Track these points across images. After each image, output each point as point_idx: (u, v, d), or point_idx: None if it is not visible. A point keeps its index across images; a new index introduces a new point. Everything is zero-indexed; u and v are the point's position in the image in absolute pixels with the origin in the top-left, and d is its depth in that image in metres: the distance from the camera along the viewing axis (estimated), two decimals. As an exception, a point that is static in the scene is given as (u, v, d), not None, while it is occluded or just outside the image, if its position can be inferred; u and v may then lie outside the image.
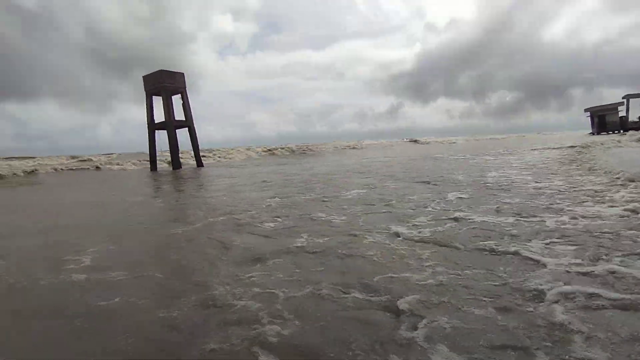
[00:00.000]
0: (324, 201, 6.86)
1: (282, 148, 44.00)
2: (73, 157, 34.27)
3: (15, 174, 22.52)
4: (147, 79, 27.41)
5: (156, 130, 28.06)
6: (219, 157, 35.45)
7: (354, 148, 48.54)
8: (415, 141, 61.70)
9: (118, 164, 30.00)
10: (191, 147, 29.01)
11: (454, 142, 55.28)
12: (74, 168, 27.72)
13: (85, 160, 31.11)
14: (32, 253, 4.47)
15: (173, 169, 26.34)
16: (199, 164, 28.54)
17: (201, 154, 29.65)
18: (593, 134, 37.64)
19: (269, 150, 42.50)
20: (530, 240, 3.58)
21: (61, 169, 26.81)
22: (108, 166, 29.43)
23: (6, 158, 34.80)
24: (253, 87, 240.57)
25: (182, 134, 29.11)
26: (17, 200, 11.96)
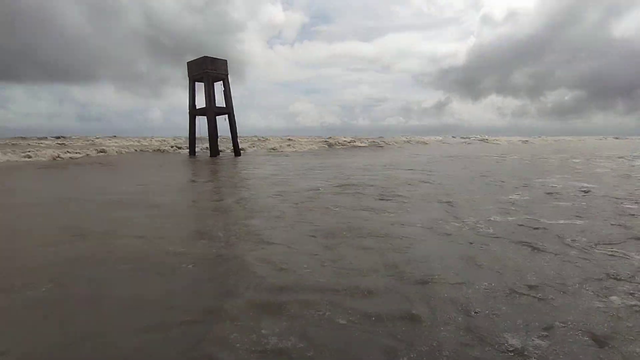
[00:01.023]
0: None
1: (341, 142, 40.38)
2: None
3: (88, 154, 24.66)
4: (191, 65, 27.54)
5: (197, 116, 28.27)
6: (271, 147, 34.18)
7: (425, 144, 46.17)
8: (485, 140, 57.79)
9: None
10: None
11: (526, 142, 51.30)
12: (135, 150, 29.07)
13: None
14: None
15: (210, 156, 26.42)
16: (237, 153, 28.47)
17: (250, 142, 29.52)
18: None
19: (326, 141, 39.31)
20: None
21: (124, 152, 28.01)
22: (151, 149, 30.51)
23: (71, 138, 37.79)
24: (298, 77, 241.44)
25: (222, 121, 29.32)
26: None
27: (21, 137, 39.32)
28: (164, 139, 42.68)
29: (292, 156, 25.16)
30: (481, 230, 4.76)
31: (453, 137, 60.34)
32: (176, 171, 15.36)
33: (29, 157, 20.76)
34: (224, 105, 28.27)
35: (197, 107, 28.08)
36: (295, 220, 5.48)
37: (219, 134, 28.29)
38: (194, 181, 11.91)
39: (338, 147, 36.61)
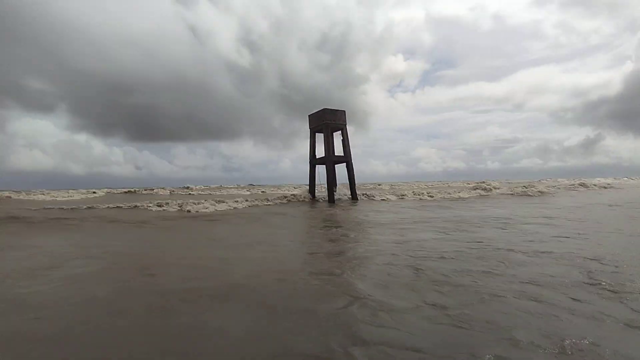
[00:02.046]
0: None
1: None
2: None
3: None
4: (311, 117, 29.40)
5: (317, 165, 29.47)
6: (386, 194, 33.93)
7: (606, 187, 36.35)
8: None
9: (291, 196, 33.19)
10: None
11: None
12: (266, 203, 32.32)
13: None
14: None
15: (329, 202, 26.69)
16: (354, 197, 28.11)
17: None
18: None
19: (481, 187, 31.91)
20: None
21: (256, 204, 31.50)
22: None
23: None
24: (419, 123, 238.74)
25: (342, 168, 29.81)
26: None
27: (186, 187, 49.25)
28: (292, 185, 46.92)
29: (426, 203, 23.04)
30: None
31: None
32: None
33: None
34: (343, 154, 28.79)
35: (317, 157, 29.30)
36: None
37: (337, 182, 28.72)
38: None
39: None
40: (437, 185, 51.58)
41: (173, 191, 45.09)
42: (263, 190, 48.46)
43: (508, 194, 29.33)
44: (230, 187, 54.50)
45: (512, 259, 5.80)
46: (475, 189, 32.89)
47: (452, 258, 6.01)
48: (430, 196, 28.66)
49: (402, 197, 28.33)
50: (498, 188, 33.17)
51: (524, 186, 32.09)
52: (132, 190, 46.95)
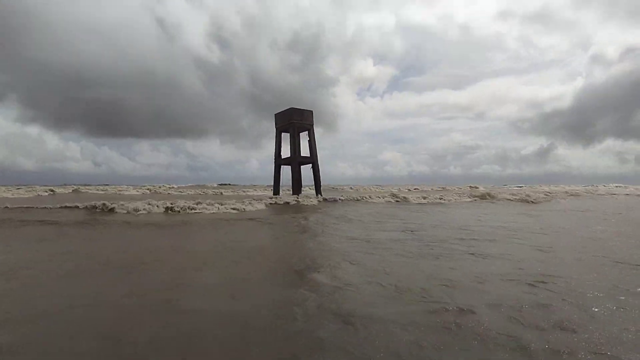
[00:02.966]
0: None
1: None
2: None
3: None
4: (278, 116, 28.72)
5: (282, 165, 28.82)
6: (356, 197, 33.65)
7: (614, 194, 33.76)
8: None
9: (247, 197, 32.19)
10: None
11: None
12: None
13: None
14: None
15: (293, 194, 26.38)
16: (318, 192, 27.75)
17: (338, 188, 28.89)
18: None
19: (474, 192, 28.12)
20: None
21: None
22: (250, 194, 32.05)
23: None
24: (386, 127, 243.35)
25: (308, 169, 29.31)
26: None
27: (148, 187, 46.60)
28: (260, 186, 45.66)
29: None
30: None
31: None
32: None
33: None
34: (309, 155, 28.30)
35: (283, 157, 28.66)
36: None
37: (303, 183, 28.20)
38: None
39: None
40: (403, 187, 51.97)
41: (149, 189, 41.37)
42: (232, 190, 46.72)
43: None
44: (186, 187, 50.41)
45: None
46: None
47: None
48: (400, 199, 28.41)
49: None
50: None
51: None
52: (79, 187, 43.07)
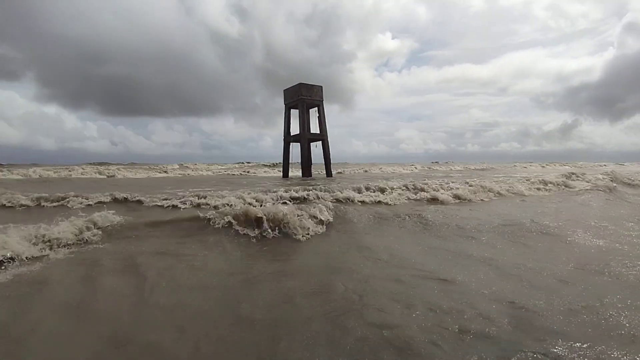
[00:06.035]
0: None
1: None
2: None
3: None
4: (287, 92, 28.15)
5: (291, 143, 28.59)
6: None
7: None
8: None
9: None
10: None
11: None
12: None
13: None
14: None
15: (302, 177, 26.31)
16: (328, 174, 27.75)
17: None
18: None
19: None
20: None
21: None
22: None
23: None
24: (403, 104, 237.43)
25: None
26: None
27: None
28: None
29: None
30: None
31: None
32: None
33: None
34: (319, 132, 27.91)
35: (292, 134, 28.38)
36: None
37: (313, 161, 27.98)
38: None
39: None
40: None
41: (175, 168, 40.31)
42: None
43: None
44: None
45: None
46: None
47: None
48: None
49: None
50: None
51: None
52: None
